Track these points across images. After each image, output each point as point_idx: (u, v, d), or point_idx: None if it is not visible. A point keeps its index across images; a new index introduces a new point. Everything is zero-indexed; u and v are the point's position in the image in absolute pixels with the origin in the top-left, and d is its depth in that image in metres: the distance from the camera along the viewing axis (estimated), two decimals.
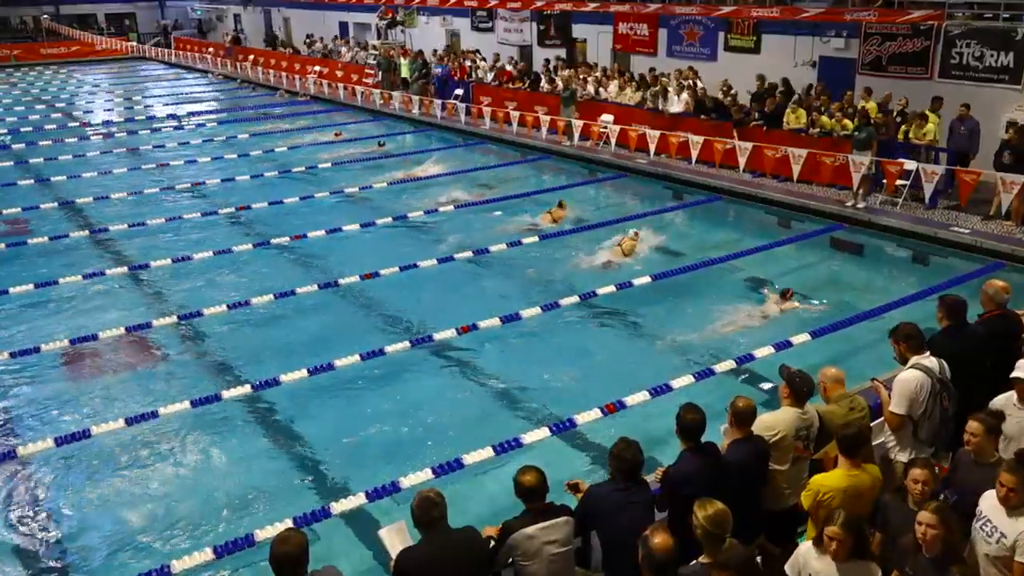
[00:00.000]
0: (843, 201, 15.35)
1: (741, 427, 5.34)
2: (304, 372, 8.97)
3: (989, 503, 4.63)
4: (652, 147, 18.95)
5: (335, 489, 7.50)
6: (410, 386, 9.43)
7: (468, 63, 27.01)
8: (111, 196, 17.09)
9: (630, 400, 8.21)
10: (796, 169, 16.40)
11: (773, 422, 5.55)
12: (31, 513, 7.39)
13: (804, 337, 9.75)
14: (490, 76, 25.87)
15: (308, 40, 36.26)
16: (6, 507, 7.47)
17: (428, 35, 31.72)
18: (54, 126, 25.71)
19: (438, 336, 10.03)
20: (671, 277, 11.99)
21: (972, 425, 5.08)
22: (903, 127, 15.81)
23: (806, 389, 5.64)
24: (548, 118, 21.33)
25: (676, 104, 19.79)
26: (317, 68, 32.55)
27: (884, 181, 15.35)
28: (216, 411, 8.75)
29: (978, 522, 4.65)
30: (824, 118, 16.78)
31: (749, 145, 17.18)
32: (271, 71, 34.15)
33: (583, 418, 7.98)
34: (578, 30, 26.08)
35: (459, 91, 25.62)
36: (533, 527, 4.72)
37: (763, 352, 9.35)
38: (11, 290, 11.52)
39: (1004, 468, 4.57)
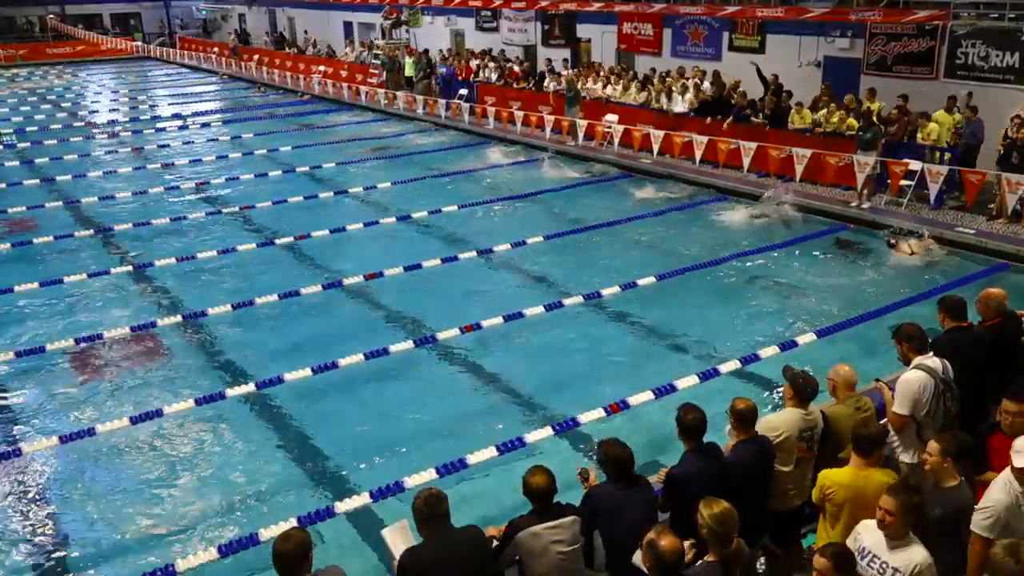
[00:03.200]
0: (847, 201, 15.34)
1: (744, 428, 5.33)
2: (308, 371, 8.98)
3: (872, 538, 4.39)
4: (656, 147, 18.95)
5: (339, 488, 7.51)
6: (414, 385, 9.44)
7: (475, 63, 27.02)
8: (116, 196, 17.14)
9: (634, 400, 8.22)
10: (799, 169, 16.40)
11: (776, 423, 5.54)
12: (36, 511, 7.42)
13: (809, 337, 9.75)
14: (495, 76, 25.88)
15: (271, 36, 37.30)
16: (11, 504, 7.50)
17: (432, 35, 31.75)
18: (59, 126, 25.77)
19: (442, 335, 10.04)
20: (675, 276, 12.00)
21: (932, 447, 4.91)
22: (907, 127, 15.79)
23: (810, 390, 5.62)
24: (552, 118, 21.34)
25: (680, 104, 19.79)
26: (322, 68, 32.61)
27: (888, 181, 15.32)
28: (220, 410, 8.77)
29: (863, 559, 4.38)
30: (835, 114, 16.74)
31: (753, 145, 17.17)
32: (276, 71, 34.22)
33: (586, 417, 7.99)
34: (583, 30, 26.08)
35: (463, 91, 25.64)
36: (539, 526, 4.72)
37: (768, 352, 9.34)
38: (16, 288, 11.55)
39: (887, 491, 4.35)
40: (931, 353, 5.96)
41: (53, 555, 6.87)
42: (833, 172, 16.15)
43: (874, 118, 15.65)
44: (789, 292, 11.86)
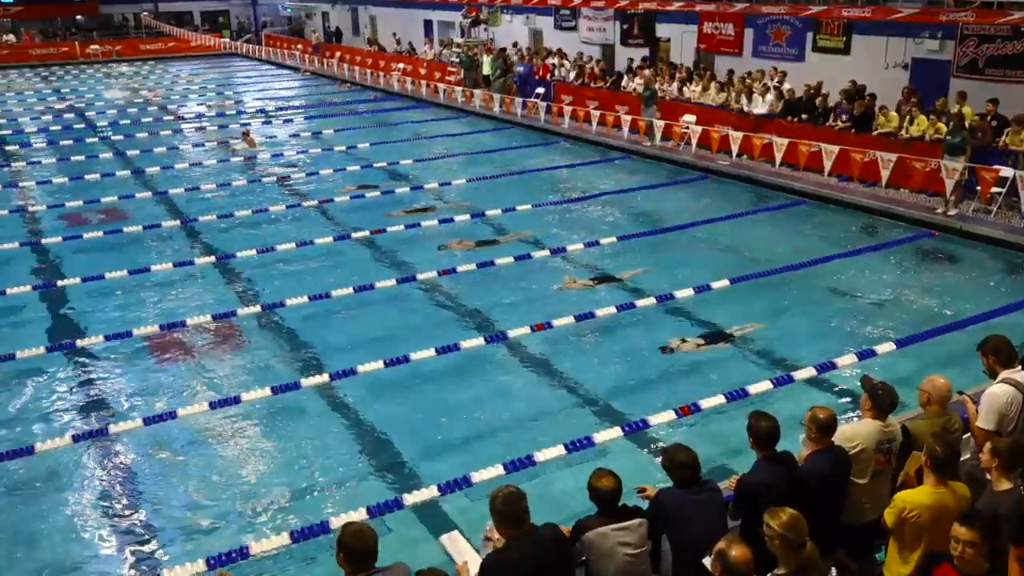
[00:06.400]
0: (934, 208, 14.84)
1: (821, 438, 5.21)
2: (380, 363, 9.11)
3: None
4: (735, 148, 18.66)
5: (407, 481, 7.61)
6: (483, 381, 9.51)
7: (552, 62, 27.00)
8: (201, 187, 17.72)
9: (705, 403, 8.12)
10: (885, 174, 15.93)
11: (853, 434, 5.40)
12: (118, 489, 7.72)
13: (889, 347, 9.47)
14: (572, 75, 25.82)
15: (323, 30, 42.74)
16: (95, 482, 7.82)
17: (511, 33, 31.86)
18: (150, 119, 26.74)
19: (512, 333, 10.08)
20: (750, 280, 11.78)
21: (986, 446, 4.85)
22: (1008, 132, 15.11)
23: (889, 401, 5.45)
24: (629, 118, 21.19)
25: (760, 105, 19.44)
26: (401, 66, 33.06)
27: (978, 188, 14.76)
28: (295, 398, 8.98)
29: None
30: (922, 117, 16.21)
31: (836, 148, 16.76)
32: (356, 67, 34.82)
33: (656, 419, 7.92)
34: (662, 29, 25.81)
35: (540, 89, 25.65)
36: (607, 527, 4.69)
37: (845, 360, 9.12)
38: (107, 275, 12.03)
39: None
40: (1019, 367, 5.74)
41: (132, 531, 7.13)
42: (920, 177, 15.63)
43: (966, 123, 15.10)
44: (870, 299, 11.54)
